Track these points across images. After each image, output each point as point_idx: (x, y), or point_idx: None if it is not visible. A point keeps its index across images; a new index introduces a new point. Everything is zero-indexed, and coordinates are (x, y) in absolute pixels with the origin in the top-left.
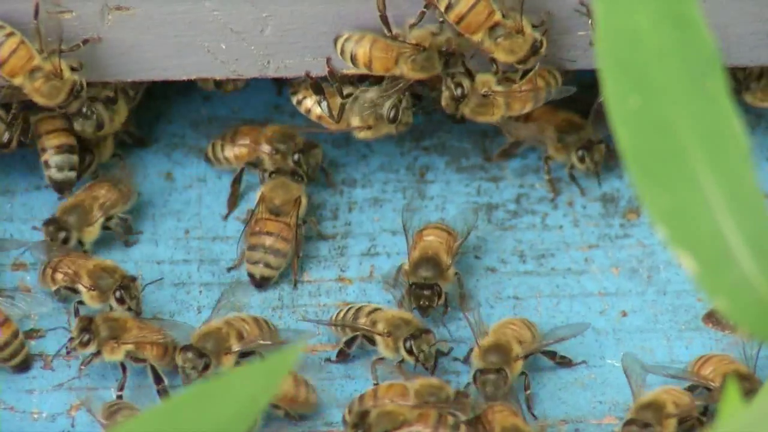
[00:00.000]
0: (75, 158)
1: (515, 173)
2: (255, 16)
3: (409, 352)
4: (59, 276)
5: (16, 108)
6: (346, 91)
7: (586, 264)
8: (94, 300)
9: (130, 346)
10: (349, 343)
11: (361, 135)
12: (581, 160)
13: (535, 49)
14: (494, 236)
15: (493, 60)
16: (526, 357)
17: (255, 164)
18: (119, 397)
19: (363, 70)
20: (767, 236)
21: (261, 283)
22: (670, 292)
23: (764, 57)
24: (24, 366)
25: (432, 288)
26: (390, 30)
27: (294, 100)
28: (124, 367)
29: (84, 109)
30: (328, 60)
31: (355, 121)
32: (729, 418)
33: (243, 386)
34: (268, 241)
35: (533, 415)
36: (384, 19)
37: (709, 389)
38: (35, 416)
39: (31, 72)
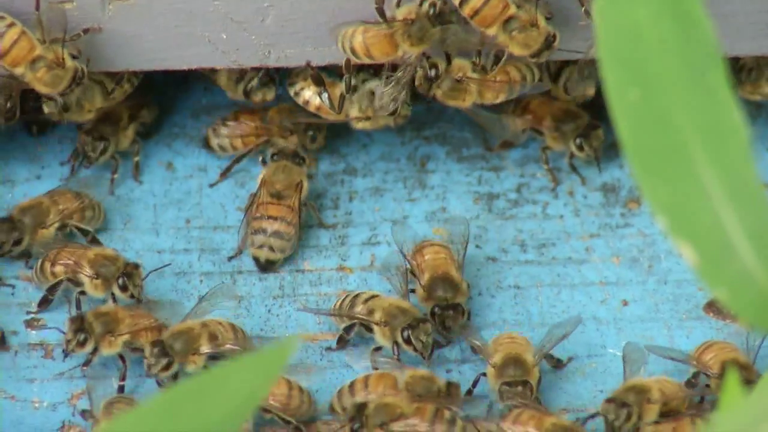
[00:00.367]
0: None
1: (516, 163)
2: (256, 6)
3: (407, 341)
4: (59, 269)
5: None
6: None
7: (586, 253)
8: (97, 289)
9: (125, 337)
10: (348, 330)
11: (359, 125)
12: (580, 148)
13: (548, 43)
14: (495, 226)
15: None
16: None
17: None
18: (121, 387)
19: (367, 60)
20: (767, 227)
21: (266, 267)
22: (670, 281)
23: (765, 47)
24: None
25: (455, 308)
26: (385, 19)
27: (291, 91)
28: (123, 358)
29: None
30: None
31: (354, 112)
32: (729, 409)
33: (238, 381)
34: (272, 225)
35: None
36: (380, 11)
37: (707, 376)
38: (36, 405)
39: (33, 62)
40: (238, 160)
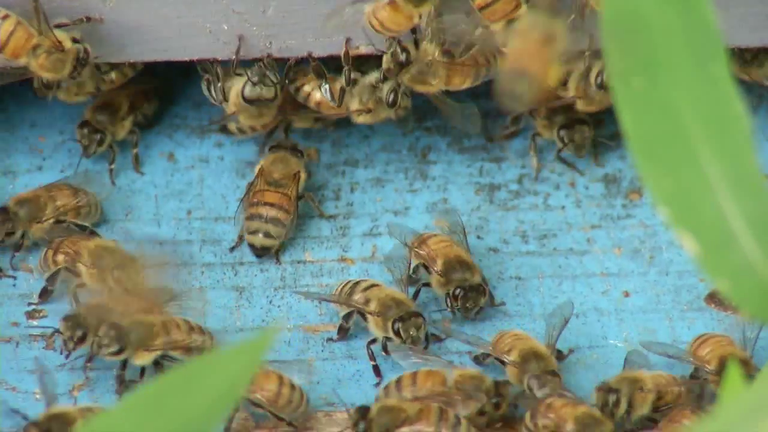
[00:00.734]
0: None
1: (517, 154)
2: None
3: (397, 333)
4: (60, 257)
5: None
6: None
7: (588, 244)
8: (94, 279)
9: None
10: (347, 318)
11: (360, 119)
12: (562, 140)
13: None
14: (496, 216)
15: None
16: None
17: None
18: (120, 377)
19: (389, 33)
20: None
21: (261, 253)
22: (672, 272)
23: (765, 38)
24: None
25: (477, 288)
26: None
27: (292, 88)
28: None
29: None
30: (348, 41)
31: (354, 105)
32: (729, 403)
33: (218, 373)
34: (267, 211)
35: None
36: None
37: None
38: (37, 397)
39: (33, 50)
40: (270, 135)
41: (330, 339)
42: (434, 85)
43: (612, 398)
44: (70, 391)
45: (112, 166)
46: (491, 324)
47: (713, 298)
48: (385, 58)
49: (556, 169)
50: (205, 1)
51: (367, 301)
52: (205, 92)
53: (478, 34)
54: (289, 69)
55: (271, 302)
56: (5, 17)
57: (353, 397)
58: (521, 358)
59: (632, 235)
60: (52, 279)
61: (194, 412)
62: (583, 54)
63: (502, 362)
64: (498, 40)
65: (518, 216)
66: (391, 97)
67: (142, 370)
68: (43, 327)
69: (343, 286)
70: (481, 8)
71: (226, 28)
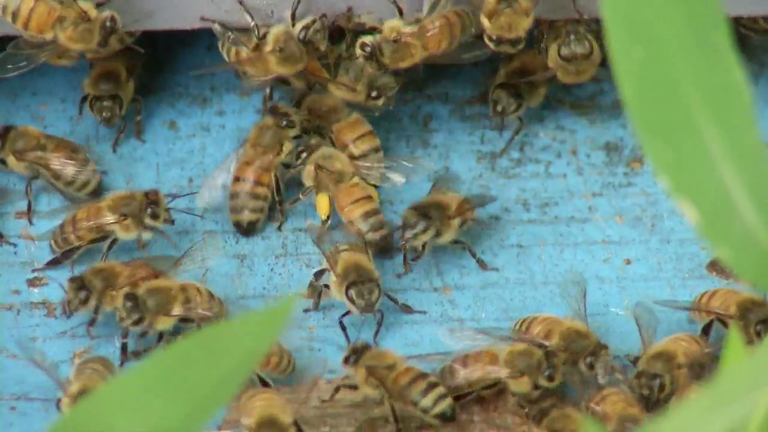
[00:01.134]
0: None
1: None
2: None
3: (350, 298)
4: (83, 233)
5: None
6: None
7: (589, 212)
8: (129, 229)
9: (125, 289)
10: (317, 275)
11: (337, 92)
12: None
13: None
14: (498, 184)
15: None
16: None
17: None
18: (124, 345)
19: None
20: None
21: (248, 230)
22: (673, 240)
23: (765, 8)
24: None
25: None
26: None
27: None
28: None
29: None
30: (349, 9)
31: (344, 79)
32: (731, 370)
33: (240, 338)
34: (248, 186)
35: None
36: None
37: (724, 322)
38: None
39: (59, 23)
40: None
41: (306, 309)
42: (415, 55)
43: (656, 384)
44: (72, 359)
45: (120, 135)
46: (493, 291)
47: (714, 266)
48: (358, 53)
49: (558, 137)
50: None
51: (335, 262)
52: (224, 49)
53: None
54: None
55: (272, 270)
56: None
57: None
58: (564, 341)
59: (634, 203)
60: (68, 252)
61: (212, 379)
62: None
63: (542, 346)
64: None
65: (520, 184)
66: (375, 93)
67: (160, 335)
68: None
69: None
70: None
71: None
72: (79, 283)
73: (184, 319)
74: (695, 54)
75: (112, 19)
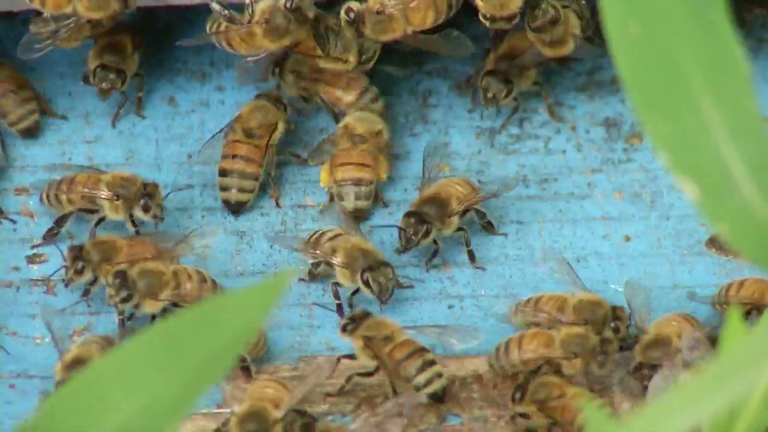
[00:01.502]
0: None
1: (520, 97)
2: None
3: (366, 284)
4: (75, 196)
5: None
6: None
7: (589, 189)
8: (118, 211)
9: (124, 266)
10: (315, 265)
11: (324, 63)
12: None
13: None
14: (497, 161)
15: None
16: None
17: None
18: (121, 320)
19: None
20: None
21: (236, 208)
22: (673, 216)
23: None
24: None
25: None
26: None
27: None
28: None
29: None
30: None
31: (336, 52)
32: (730, 348)
33: (235, 312)
34: (238, 165)
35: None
36: None
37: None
38: (37, 341)
39: None
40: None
41: (302, 279)
42: (397, 30)
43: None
44: (71, 336)
45: (121, 111)
46: (493, 269)
47: (714, 242)
48: (342, 16)
49: (557, 113)
50: None
51: (333, 251)
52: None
53: None
54: None
55: (271, 246)
56: None
57: None
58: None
59: (633, 180)
60: (61, 220)
61: (207, 353)
62: None
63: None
64: None
65: (519, 160)
66: (363, 57)
67: (153, 316)
68: None
69: (311, 236)
70: None
71: None
72: (77, 253)
73: (174, 304)
74: (693, 29)
75: None
